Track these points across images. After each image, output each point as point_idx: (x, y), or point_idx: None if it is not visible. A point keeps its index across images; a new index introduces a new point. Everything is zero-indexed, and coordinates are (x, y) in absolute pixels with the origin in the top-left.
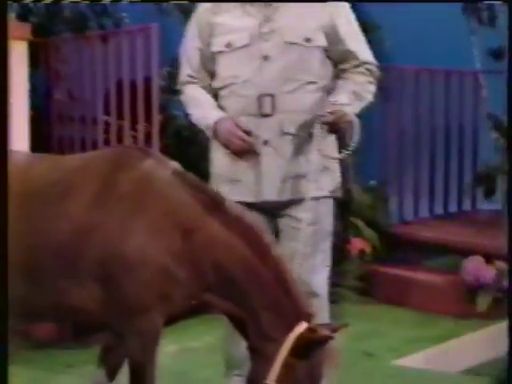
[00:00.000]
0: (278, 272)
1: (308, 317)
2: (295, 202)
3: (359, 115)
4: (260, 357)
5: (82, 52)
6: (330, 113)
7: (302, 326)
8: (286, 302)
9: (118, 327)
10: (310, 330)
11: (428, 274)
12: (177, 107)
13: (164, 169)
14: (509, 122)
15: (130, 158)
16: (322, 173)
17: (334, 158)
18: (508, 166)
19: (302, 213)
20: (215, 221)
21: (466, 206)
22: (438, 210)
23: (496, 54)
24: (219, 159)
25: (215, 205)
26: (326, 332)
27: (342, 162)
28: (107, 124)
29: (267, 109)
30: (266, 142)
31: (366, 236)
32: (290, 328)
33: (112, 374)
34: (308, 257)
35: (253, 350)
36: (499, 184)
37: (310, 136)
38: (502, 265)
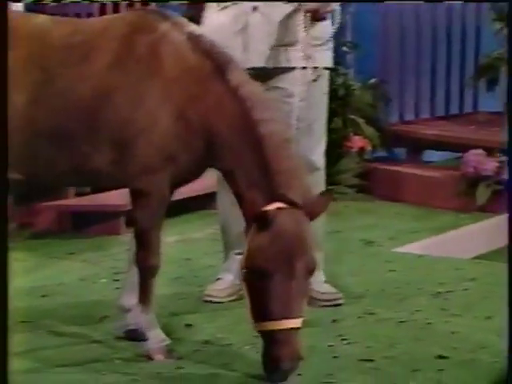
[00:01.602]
0: (261, 149)
1: (285, 199)
2: (284, 73)
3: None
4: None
5: None
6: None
7: (273, 205)
8: (265, 182)
9: (129, 189)
10: (277, 209)
11: (428, 170)
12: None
13: (180, 32)
14: (509, 115)
15: (149, 20)
16: (313, 46)
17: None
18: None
19: (293, 86)
20: (215, 88)
21: (468, 108)
22: (439, 111)
23: None
24: (209, 24)
25: (219, 72)
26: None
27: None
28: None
29: None
30: (254, 8)
31: (365, 134)
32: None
33: None
34: (304, 133)
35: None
36: (502, 75)
37: (298, 7)
38: (503, 157)
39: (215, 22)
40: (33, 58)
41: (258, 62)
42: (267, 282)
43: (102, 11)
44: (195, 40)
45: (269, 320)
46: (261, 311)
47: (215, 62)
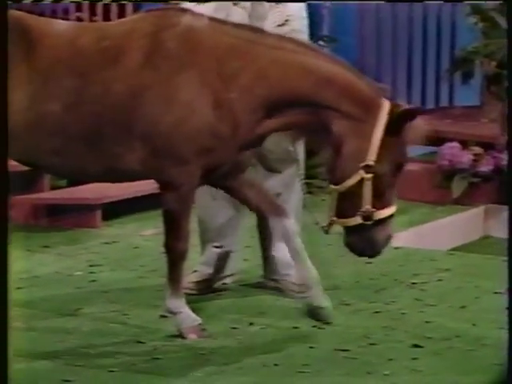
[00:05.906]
0: (336, 64)
1: (384, 92)
2: None
3: None
4: (352, 138)
5: None
6: None
7: (387, 103)
8: (359, 84)
9: (158, 181)
10: (395, 105)
11: None
12: (150, 4)
13: (202, 19)
14: (509, 113)
15: (171, 16)
16: None
17: None
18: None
19: None
20: (261, 48)
21: (443, 102)
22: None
23: None
24: None
25: (257, 33)
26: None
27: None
28: (80, 20)
29: None
30: (235, 3)
31: None
32: (374, 105)
33: None
34: None
35: (336, 142)
36: (477, 68)
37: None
38: (478, 149)
39: None
40: (65, 65)
41: None
42: (395, 175)
43: (78, 8)
44: (217, 20)
45: (386, 207)
46: (379, 201)
47: (249, 28)
